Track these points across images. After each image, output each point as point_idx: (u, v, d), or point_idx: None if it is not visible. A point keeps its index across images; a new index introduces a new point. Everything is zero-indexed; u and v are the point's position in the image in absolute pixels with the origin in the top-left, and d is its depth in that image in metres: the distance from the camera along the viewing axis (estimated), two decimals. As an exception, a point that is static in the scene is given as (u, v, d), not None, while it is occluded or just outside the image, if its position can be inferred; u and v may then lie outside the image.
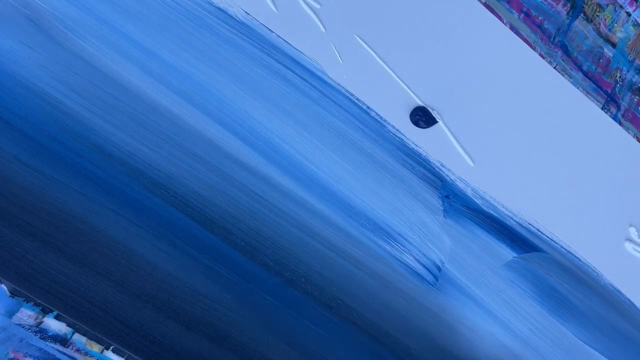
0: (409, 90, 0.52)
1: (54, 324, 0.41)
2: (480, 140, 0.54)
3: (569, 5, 0.60)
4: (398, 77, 0.52)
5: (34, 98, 0.42)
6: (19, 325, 0.40)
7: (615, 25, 0.62)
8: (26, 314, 0.40)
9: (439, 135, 0.53)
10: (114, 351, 0.42)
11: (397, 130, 0.51)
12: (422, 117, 0.52)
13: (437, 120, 0.52)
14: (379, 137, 0.51)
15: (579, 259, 0.57)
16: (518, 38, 0.57)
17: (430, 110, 0.52)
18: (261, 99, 0.48)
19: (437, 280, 0.52)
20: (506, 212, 0.54)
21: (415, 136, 0.52)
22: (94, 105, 0.44)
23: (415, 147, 0.52)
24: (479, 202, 0.54)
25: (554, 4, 0.59)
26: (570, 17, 0.60)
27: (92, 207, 0.43)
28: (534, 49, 0.58)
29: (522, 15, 0.58)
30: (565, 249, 0.56)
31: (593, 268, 0.57)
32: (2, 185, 0.41)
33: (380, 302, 0.50)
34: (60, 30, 0.44)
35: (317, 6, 0.49)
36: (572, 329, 0.56)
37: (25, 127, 0.42)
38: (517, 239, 0.55)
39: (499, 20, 0.56)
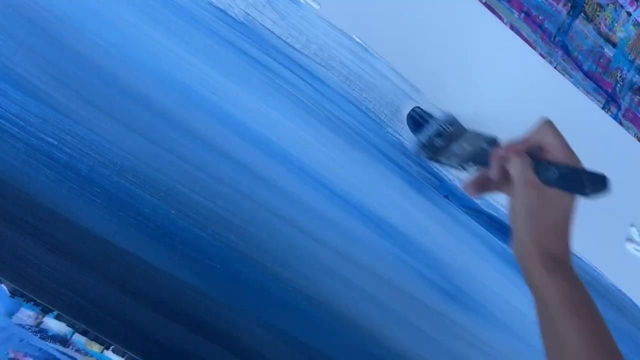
0: (408, 91, 0.52)
1: (54, 324, 0.41)
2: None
3: (569, 4, 0.60)
4: (397, 77, 0.52)
5: (32, 98, 0.42)
6: (19, 325, 0.40)
7: (616, 24, 0.62)
8: (26, 314, 0.40)
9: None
10: (114, 351, 0.42)
11: (396, 131, 0.51)
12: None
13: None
14: (378, 137, 0.51)
15: (580, 258, 0.57)
16: (518, 38, 0.57)
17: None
18: (259, 98, 0.48)
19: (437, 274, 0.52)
20: (505, 211, 0.54)
21: (414, 136, 0.52)
22: (92, 106, 0.44)
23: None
24: (478, 201, 0.54)
25: (555, 3, 0.59)
26: (570, 17, 0.60)
27: (92, 208, 0.43)
28: (534, 48, 0.58)
29: (523, 14, 0.58)
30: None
31: (594, 268, 0.57)
32: (2, 186, 0.41)
33: (381, 304, 0.50)
34: (59, 29, 0.44)
35: (317, 7, 0.49)
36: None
37: (25, 129, 0.42)
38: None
39: (499, 20, 0.56)
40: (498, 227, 0.54)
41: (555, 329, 0.38)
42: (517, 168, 0.41)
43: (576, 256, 0.56)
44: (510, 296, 0.54)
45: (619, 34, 0.62)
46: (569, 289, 0.38)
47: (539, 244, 0.39)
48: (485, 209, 0.54)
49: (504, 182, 0.42)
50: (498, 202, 0.54)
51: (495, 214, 0.54)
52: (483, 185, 0.45)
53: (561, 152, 0.41)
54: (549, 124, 0.43)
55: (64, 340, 0.41)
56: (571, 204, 0.40)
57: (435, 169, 0.52)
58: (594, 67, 0.61)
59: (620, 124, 0.61)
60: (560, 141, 0.42)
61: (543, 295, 0.39)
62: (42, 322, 0.41)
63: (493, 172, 0.43)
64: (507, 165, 0.42)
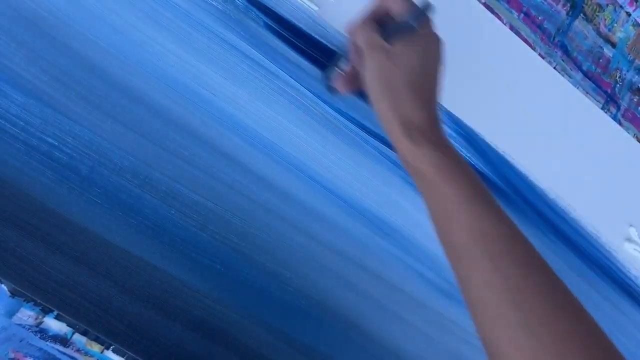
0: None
1: (54, 324, 0.41)
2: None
3: (568, 5, 0.60)
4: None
5: (32, 99, 0.42)
6: (19, 325, 0.40)
7: (615, 25, 0.62)
8: (26, 314, 0.41)
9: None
10: (114, 351, 0.42)
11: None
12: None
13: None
14: (378, 138, 0.51)
15: (579, 257, 0.57)
16: (518, 38, 0.57)
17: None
18: (258, 99, 0.48)
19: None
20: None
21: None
22: (92, 106, 0.44)
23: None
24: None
25: (554, 3, 0.59)
26: (570, 17, 0.60)
27: (92, 208, 0.43)
28: (533, 49, 0.58)
29: (522, 15, 0.58)
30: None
31: (593, 268, 0.57)
32: (3, 186, 0.41)
33: (381, 304, 0.50)
34: (59, 29, 0.44)
35: (315, 8, 0.49)
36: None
37: (25, 129, 0.42)
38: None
39: (498, 20, 0.56)
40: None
41: (440, 211, 0.35)
42: (361, 35, 0.39)
43: (576, 255, 0.56)
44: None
45: (619, 35, 0.62)
46: (442, 158, 0.35)
47: (397, 112, 0.36)
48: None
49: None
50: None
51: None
52: (353, 78, 0.43)
53: (403, 7, 0.38)
54: None
55: (64, 340, 0.41)
56: (421, 61, 0.38)
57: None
58: (593, 67, 0.61)
59: (620, 124, 0.61)
60: None
61: (415, 170, 0.36)
62: (42, 322, 0.41)
63: (351, 55, 0.42)
64: (355, 39, 0.41)
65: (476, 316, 0.32)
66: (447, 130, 0.53)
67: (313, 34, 0.49)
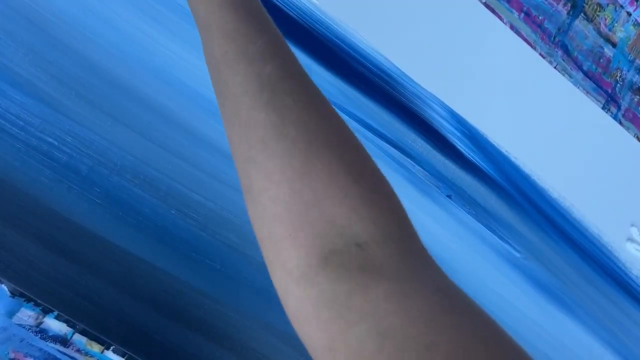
0: (407, 88, 0.52)
1: (54, 324, 0.41)
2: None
3: (569, 4, 0.60)
4: (398, 74, 0.52)
5: (32, 98, 0.42)
6: (20, 325, 0.40)
7: (616, 25, 0.62)
8: (26, 314, 0.40)
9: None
10: (114, 351, 0.42)
11: (398, 129, 0.51)
12: None
13: None
14: (380, 136, 0.51)
15: (581, 257, 0.57)
16: (518, 38, 0.57)
17: None
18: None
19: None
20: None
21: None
22: (92, 106, 0.44)
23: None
24: (481, 202, 0.53)
25: (555, 3, 0.59)
26: (570, 17, 0.60)
27: (92, 208, 0.43)
28: (534, 48, 0.58)
29: (523, 14, 0.58)
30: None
31: (595, 268, 0.57)
32: (3, 186, 0.41)
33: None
34: (59, 29, 0.44)
35: (316, 2, 0.49)
36: (576, 325, 0.55)
37: (25, 129, 0.42)
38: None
39: (499, 20, 0.56)
40: (500, 227, 0.54)
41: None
42: None
43: (578, 254, 0.56)
44: (512, 296, 0.54)
45: (619, 34, 0.62)
46: None
47: None
48: (489, 209, 0.54)
49: None
50: (502, 203, 0.54)
51: (498, 214, 0.54)
52: None
53: None
54: None
55: (64, 341, 0.41)
56: None
57: (438, 169, 0.52)
58: (593, 67, 0.61)
59: (620, 124, 0.61)
60: None
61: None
62: (42, 322, 0.41)
63: None
64: None
65: (231, 128, 0.31)
66: (449, 128, 0.53)
67: (314, 27, 0.49)
